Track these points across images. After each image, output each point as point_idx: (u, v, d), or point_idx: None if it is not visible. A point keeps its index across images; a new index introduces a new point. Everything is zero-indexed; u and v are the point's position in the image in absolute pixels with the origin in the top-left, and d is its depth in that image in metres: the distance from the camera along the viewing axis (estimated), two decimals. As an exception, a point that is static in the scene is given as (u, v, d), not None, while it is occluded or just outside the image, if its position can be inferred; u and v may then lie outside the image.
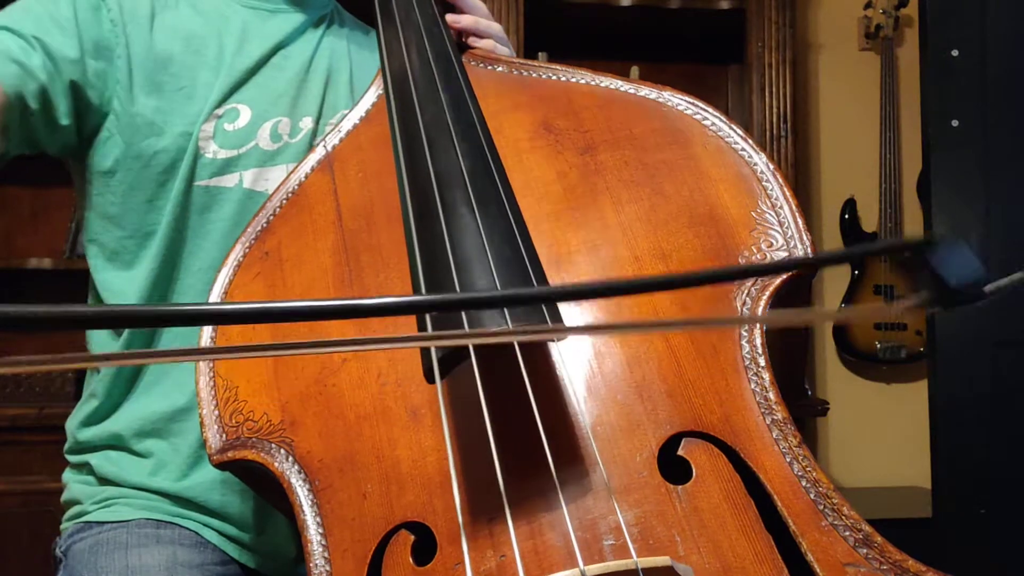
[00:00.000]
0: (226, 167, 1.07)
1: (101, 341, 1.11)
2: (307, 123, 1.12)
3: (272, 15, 1.14)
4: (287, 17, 1.15)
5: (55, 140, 1.04)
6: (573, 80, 0.99)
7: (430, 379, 0.72)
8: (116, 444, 1.08)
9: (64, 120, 1.02)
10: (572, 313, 0.80)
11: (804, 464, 0.70)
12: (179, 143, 1.05)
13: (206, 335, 0.88)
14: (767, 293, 0.79)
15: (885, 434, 2.73)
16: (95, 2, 1.04)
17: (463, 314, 0.72)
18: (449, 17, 1.08)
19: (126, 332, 1.08)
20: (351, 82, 1.17)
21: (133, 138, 1.05)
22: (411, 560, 0.70)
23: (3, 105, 0.95)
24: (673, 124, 0.92)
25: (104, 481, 1.08)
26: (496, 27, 1.11)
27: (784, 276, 0.80)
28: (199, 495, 1.05)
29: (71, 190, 1.17)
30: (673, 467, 0.70)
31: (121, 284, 1.08)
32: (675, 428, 0.72)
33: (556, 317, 0.73)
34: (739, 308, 0.79)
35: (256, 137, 1.08)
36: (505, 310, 0.71)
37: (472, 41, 1.09)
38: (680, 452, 0.71)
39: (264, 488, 0.84)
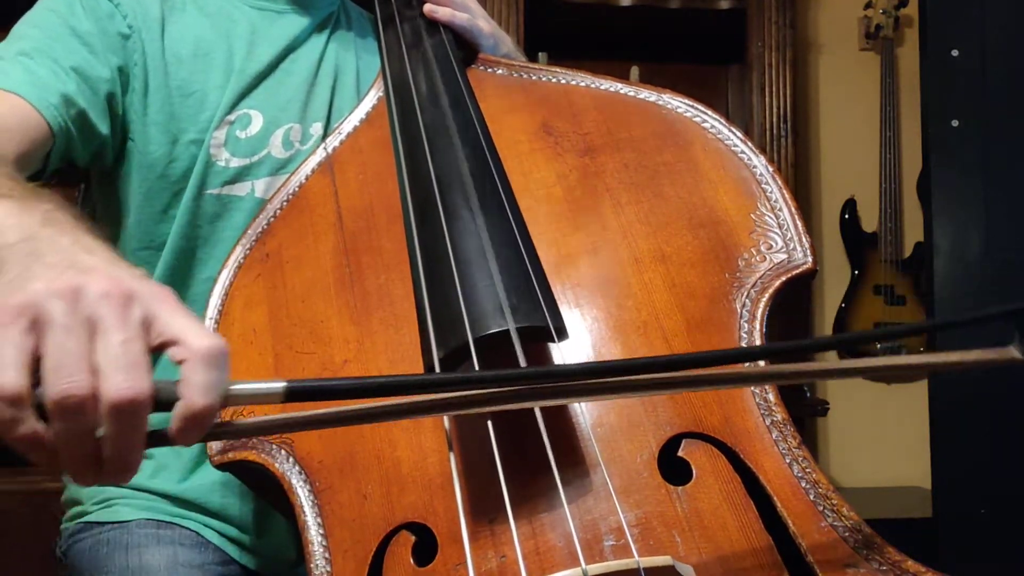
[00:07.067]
0: (239, 176, 1.06)
1: None
2: (317, 128, 1.11)
3: (280, 16, 1.14)
4: (294, 19, 1.14)
5: (88, 152, 1.03)
6: (573, 82, 0.99)
7: (431, 381, 0.72)
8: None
9: (104, 130, 1.02)
10: (573, 318, 0.80)
11: (804, 465, 0.70)
12: (191, 151, 1.05)
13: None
14: (767, 294, 0.79)
15: (885, 434, 2.73)
16: (109, 9, 1.03)
17: (463, 309, 0.73)
18: (426, 8, 1.08)
19: None
20: (357, 84, 1.17)
21: (148, 147, 1.05)
22: (412, 561, 0.70)
23: (49, 141, 0.95)
24: (673, 127, 0.93)
25: (105, 481, 1.08)
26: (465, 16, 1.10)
27: (784, 277, 0.80)
28: (199, 496, 1.05)
29: (71, 190, 1.17)
30: (674, 468, 0.71)
31: None
32: (675, 429, 0.73)
33: (558, 320, 0.74)
34: (739, 309, 0.79)
35: (268, 145, 1.08)
36: (509, 315, 0.72)
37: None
38: (680, 453, 0.71)
39: (264, 489, 0.84)
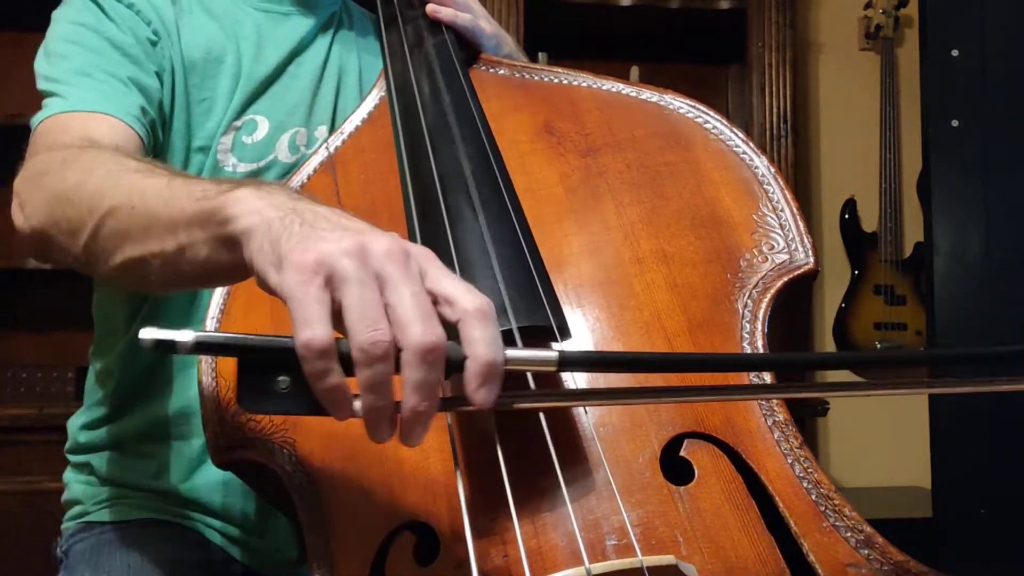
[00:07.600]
0: None
1: (111, 326, 1.10)
2: (322, 132, 1.11)
3: (285, 18, 1.13)
4: (299, 21, 1.13)
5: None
6: (575, 83, 0.99)
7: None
8: (118, 446, 1.08)
9: (161, 138, 1.02)
10: (575, 317, 0.80)
11: (805, 465, 0.70)
12: (199, 158, 1.05)
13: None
14: (769, 295, 0.79)
15: (885, 434, 2.73)
16: (131, 15, 1.02)
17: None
18: (429, 8, 1.08)
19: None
20: (360, 85, 1.16)
21: (170, 156, 1.04)
22: (414, 560, 0.70)
23: (141, 154, 0.95)
24: (675, 127, 0.93)
25: (106, 481, 1.08)
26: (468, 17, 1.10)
27: (786, 278, 0.80)
28: (202, 496, 1.05)
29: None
30: (676, 468, 0.71)
31: (138, 299, 1.07)
32: (677, 429, 0.73)
33: (561, 320, 0.74)
34: (741, 310, 0.79)
35: (275, 150, 1.07)
36: (512, 314, 0.72)
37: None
38: (682, 453, 0.72)
39: (266, 489, 0.85)
